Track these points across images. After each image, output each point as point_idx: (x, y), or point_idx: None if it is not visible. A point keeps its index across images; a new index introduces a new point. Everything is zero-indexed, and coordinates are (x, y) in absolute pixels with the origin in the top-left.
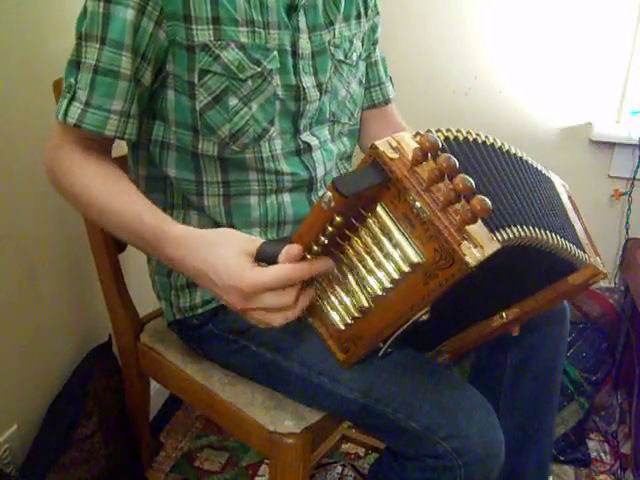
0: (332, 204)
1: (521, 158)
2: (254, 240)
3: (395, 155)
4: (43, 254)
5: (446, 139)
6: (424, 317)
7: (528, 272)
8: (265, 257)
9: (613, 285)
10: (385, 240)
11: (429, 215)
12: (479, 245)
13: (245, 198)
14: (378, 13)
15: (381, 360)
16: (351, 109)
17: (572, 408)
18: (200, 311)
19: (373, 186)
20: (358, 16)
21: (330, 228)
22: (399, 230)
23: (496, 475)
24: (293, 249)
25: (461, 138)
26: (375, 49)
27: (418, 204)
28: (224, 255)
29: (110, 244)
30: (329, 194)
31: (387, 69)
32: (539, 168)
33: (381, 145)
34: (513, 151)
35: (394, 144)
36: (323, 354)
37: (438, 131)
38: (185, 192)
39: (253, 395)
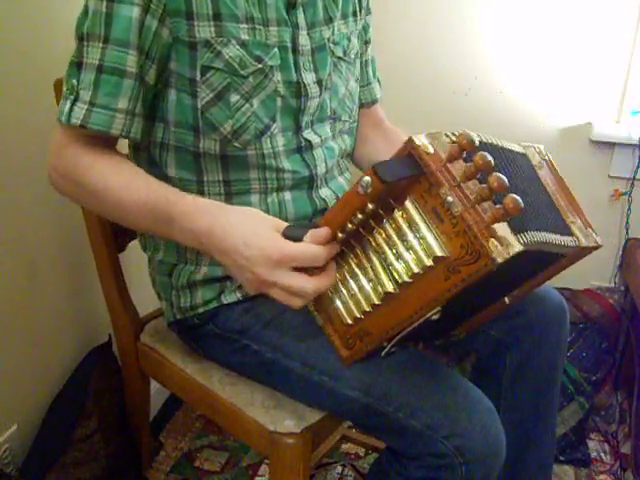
0: (369, 189)
1: (510, 150)
2: (280, 221)
3: (431, 150)
4: (43, 254)
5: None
6: (435, 316)
7: (528, 265)
8: (291, 239)
9: (613, 285)
10: (410, 233)
11: (460, 210)
12: (504, 244)
13: (246, 197)
14: (370, 12)
15: (383, 359)
16: (350, 106)
17: (572, 408)
18: (201, 311)
19: (411, 177)
20: (354, 13)
21: (360, 215)
22: (426, 224)
23: (497, 473)
24: (320, 231)
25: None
26: (367, 49)
27: (450, 199)
28: (254, 227)
29: (110, 244)
30: (367, 179)
31: (376, 70)
32: (516, 150)
33: (417, 140)
34: (503, 145)
35: (430, 140)
36: (324, 353)
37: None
38: (186, 192)
39: (253, 395)
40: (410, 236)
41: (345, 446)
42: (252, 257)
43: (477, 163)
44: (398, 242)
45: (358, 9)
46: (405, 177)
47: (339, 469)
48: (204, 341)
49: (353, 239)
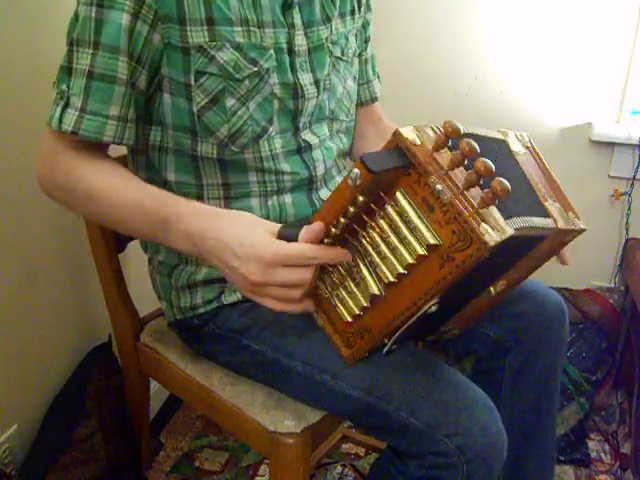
0: (358, 181)
1: (481, 137)
2: (274, 225)
3: (418, 142)
4: (43, 255)
5: None
6: (433, 308)
7: (508, 251)
8: (285, 238)
9: (613, 285)
10: (402, 225)
11: (450, 197)
12: (496, 228)
13: (246, 201)
14: (370, 10)
15: (383, 358)
16: (348, 106)
17: (572, 408)
18: (201, 311)
19: (399, 167)
20: (352, 12)
21: (352, 209)
22: (417, 214)
23: (499, 471)
24: (314, 227)
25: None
26: (367, 47)
27: (439, 187)
28: (248, 229)
29: (110, 244)
30: (357, 171)
31: (375, 67)
32: (494, 136)
33: (404, 132)
34: (476, 132)
35: (416, 132)
36: (325, 352)
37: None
38: (185, 196)
39: (253, 395)
40: (403, 228)
41: (345, 446)
42: (244, 256)
43: (464, 150)
44: (391, 235)
45: (357, 7)
46: (393, 168)
47: (339, 469)
48: (204, 341)
49: (348, 234)
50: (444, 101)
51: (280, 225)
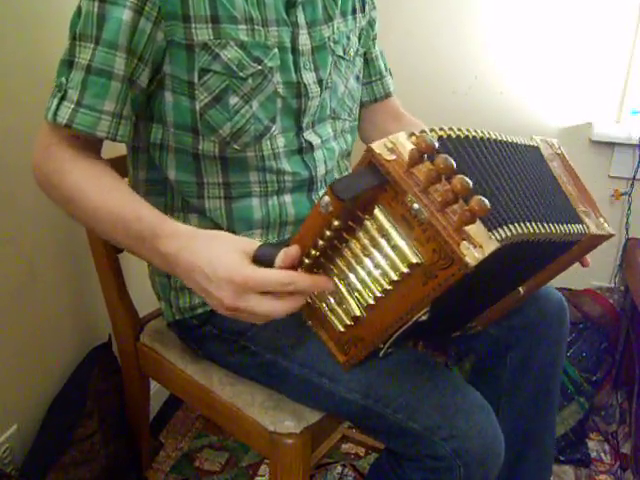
0: (330, 208)
1: (508, 143)
2: (252, 242)
3: (391, 157)
4: (43, 254)
5: (440, 138)
6: (423, 317)
7: (535, 255)
8: (263, 259)
9: (613, 285)
10: (383, 242)
11: (427, 216)
12: (478, 245)
13: (247, 200)
14: (375, 7)
15: (381, 360)
16: (350, 105)
17: (572, 408)
18: (200, 311)
19: (370, 188)
20: (354, 11)
21: (328, 232)
22: (397, 232)
23: (495, 475)
24: (291, 250)
25: (454, 136)
26: (374, 44)
27: (416, 205)
28: (222, 251)
29: (109, 244)
30: (327, 198)
31: (387, 63)
32: (526, 143)
33: (377, 147)
34: (500, 138)
35: (390, 145)
36: (323, 354)
37: (432, 130)
38: (186, 195)
39: (253, 395)
40: (384, 245)
41: (345, 446)
42: (216, 279)
43: (438, 167)
44: (374, 251)
45: (359, 6)
46: (364, 190)
47: (339, 469)
48: (203, 342)
49: (332, 251)
50: (443, 100)
51: (259, 244)
